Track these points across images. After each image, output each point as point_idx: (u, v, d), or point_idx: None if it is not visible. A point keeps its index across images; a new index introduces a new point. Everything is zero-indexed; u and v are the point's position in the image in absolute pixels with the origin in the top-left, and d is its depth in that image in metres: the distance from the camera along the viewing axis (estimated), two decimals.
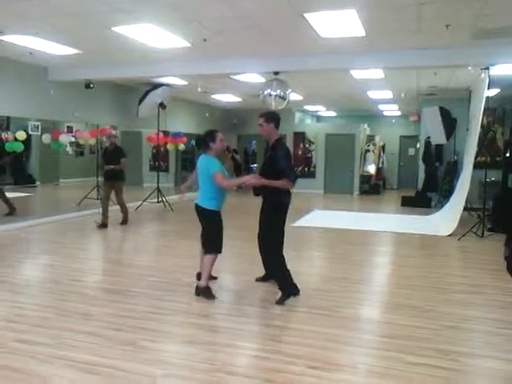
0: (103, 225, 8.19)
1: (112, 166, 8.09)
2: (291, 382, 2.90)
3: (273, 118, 4.57)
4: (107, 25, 5.97)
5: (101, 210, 8.32)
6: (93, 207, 9.82)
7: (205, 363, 3.12)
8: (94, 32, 6.37)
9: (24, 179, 11.95)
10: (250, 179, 4.50)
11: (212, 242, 4.55)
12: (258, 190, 4.54)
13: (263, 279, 5.00)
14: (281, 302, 4.33)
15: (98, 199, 10.46)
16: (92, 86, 9.39)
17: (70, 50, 7.41)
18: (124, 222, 8.66)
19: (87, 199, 10.42)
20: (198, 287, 4.50)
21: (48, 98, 9.08)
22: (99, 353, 3.24)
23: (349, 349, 3.45)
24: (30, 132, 9.40)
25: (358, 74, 9.02)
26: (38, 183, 12.13)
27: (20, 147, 9.14)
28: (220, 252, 4.56)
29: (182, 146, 13.19)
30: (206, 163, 4.54)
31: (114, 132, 8.58)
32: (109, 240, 7.75)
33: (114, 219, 8.41)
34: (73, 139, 10.44)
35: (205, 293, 4.44)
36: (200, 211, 4.55)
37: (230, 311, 4.22)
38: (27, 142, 9.89)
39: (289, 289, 4.46)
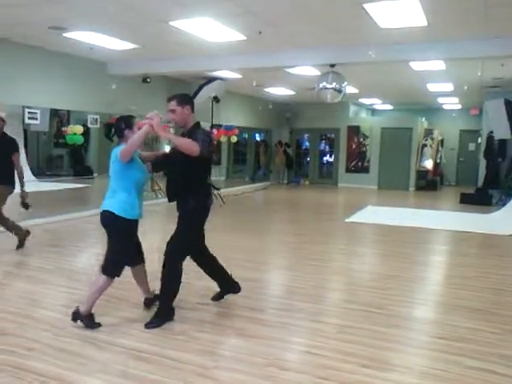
0: (21, 243, 5.90)
1: None
2: (344, 381, 2.84)
3: (187, 100, 3.73)
4: (165, 19, 6.05)
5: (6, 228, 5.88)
6: (147, 199, 10.06)
7: (256, 357, 3.11)
8: (152, 27, 6.48)
9: (83, 171, 12.43)
10: (152, 117, 3.41)
11: (112, 260, 3.54)
12: (173, 195, 3.71)
13: (219, 296, 4.18)
14: (151, 326, 3.53)
15: (152, 191, 10.70)
16: (149, 80, 9.59)
17: (128, 45, 7.58)
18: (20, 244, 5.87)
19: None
20: (76, 313, 3.51)
21: (106, 91, 9.35)
22: (153, 342, 3.30)
23: (404, 349, 3.34)
24: (89, 125, 9.71)
25: (417, 65, 8.71)
26: (95, 175, 12.57)
27: (80, 140, 9.47)
28: (117, 276, 3.55)
29: (234, 138, 13.28)
30: (113, 155, 3.49)
31: (1, 114, 5.62)
32: (158, 231, 7.89)
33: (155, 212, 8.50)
34: None
35: (85, 321, 3.49)
36: (105, 218, 3.52)
37: (281, 306, 4.19)
38: (86, 134, 10.25)
39: (167, 312, 3.66)
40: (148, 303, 3.93)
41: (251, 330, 3.58)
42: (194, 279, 4.76)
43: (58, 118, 16.09)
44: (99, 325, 3.51)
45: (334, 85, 7.66)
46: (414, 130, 15.26)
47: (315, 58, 7.88)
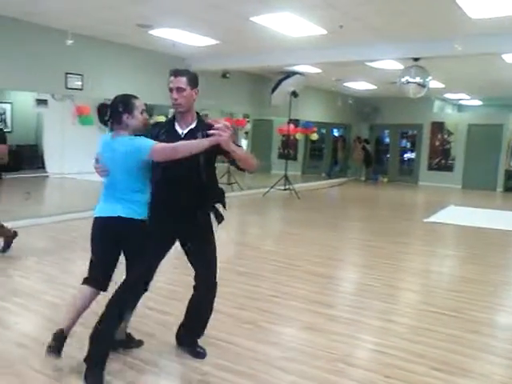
0: (7, 244, 5.21)
1: None
2: (413, 382, 2.76)
3: (197, 80, 2.77)
4: (246, 15, 6.14)
5: None
6: None
7: (324, 351, 3.10)
8: (234, 23, 6.59)
9: None
10: (221, 130, 2.53)
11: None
12: (192, 206, 2.77)
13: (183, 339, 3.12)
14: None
15: (229, 184, 10.91)
16: (228, 75, 9.77)
17: (210, 41, 7.77)
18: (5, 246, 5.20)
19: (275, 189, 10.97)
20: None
21: None
22: (220, 328, 3.36)
23: (481, 355, 3.17)
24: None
25: (510, 57, 8.14)
26: None
27: None
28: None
29: (315, 136, 13.19)
30: (128, 148, 2.62)
31: None
32: (234, 223, 8.06)
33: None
34: None
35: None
36: (125, 228, 2.66)
37: (353, 303, 4.13)
38: None
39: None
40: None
41: (321, 324, 3.57)
42: (274, 273, 4.83)
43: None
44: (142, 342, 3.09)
45: (417, 79, 7.41)
46: (504, 126, 14.32)
47: (398, 51, 7.62)
